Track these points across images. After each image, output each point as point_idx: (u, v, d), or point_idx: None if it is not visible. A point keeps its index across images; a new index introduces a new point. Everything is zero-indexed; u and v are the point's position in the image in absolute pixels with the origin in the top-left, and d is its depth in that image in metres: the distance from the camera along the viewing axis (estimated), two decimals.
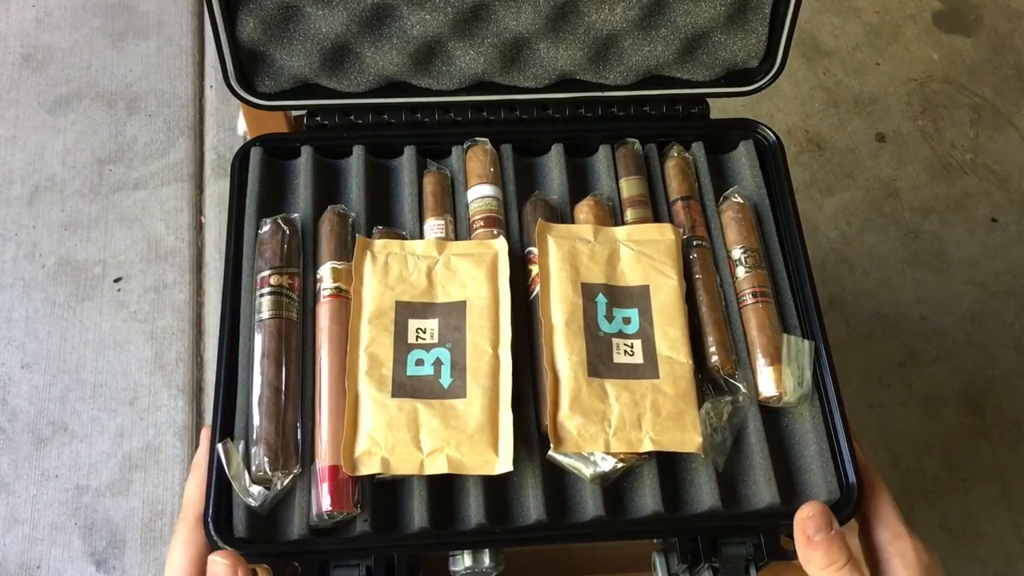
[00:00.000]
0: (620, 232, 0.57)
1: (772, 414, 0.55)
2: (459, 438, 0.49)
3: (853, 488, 0.51)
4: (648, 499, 0.51)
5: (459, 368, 0.52)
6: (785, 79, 0.73)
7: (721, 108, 0.67)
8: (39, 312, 1.18)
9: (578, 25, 0.61)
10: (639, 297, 0.55)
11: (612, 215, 0.60)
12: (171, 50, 1.40)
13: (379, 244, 0.56)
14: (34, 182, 1.28)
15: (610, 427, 0.50)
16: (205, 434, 0.51)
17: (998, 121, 1.41)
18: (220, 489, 0.49)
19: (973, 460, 1.15)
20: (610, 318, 0.54)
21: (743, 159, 0.63)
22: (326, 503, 0.48)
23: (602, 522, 0.50)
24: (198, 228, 1.26)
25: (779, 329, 0.55)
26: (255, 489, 0.49)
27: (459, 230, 0.59)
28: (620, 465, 0.50)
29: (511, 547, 0.50)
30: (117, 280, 1.21)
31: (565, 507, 0.51)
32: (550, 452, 0.51)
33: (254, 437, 0.50)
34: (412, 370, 0.52)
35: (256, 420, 0.50)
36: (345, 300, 0.54)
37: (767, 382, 0.54)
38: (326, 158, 0.62)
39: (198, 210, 1.27)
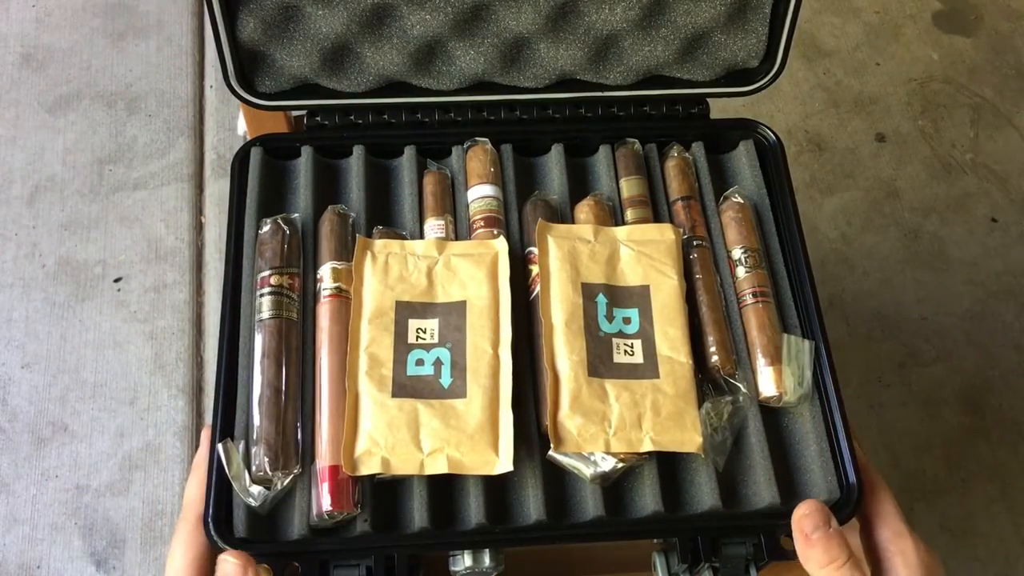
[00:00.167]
0: (620, 232, 0.57)
1: (772, 414, 0.55)
2: (459, 438, 0.49)
3: (853, 488, 0.51)
4: (648, 499, 0.51)
5: (459, 368, 0.52)
6: (785, 79, 0.73)
7: (721, 108, 0.67)
8: (39, 312, 1.18)
9: (578, 25, 0.61)
10: (639, 297, 0.55)
11: (612, 215, 0.60)
12: (171, 50, 1.40)
13: (379, 244, 0.56)
14: (34, 182, 1.28)
15: (610, 427, 0.50)
16: (205, 434, 0.51)
17: (998, 121, 1.41)
18: (220, 489, 0.49)
19: (973, 460, 1.15)
20: (610, 318, 0.54)
21: (743, 159, 0.63)
22: (326, 503, 0.48)
23: (602, 522, 0.50)
24: (198, 228, 1.26)
25: (779, 329, 0.55)
26: (255, 489, 0.49)
27: (459, 230, 0.59)
28: (620, 465, 0.50)
29: (511, 547, 0.50)
30: (117, 280, 1.21)
31: (565, 507, 0.51)
32: (550, 452, 0.51)
33: (254, 437, 0.50)
34: (412, 370, 0.52)
35: (256, 420, 0.50)
36: (345, 300, 0.54)
37: (767, 382, 0.54)
38: (326, 158, 0.62)
39: (198, 210, 1.28)
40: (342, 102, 0.63)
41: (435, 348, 0.53)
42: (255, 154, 0.60)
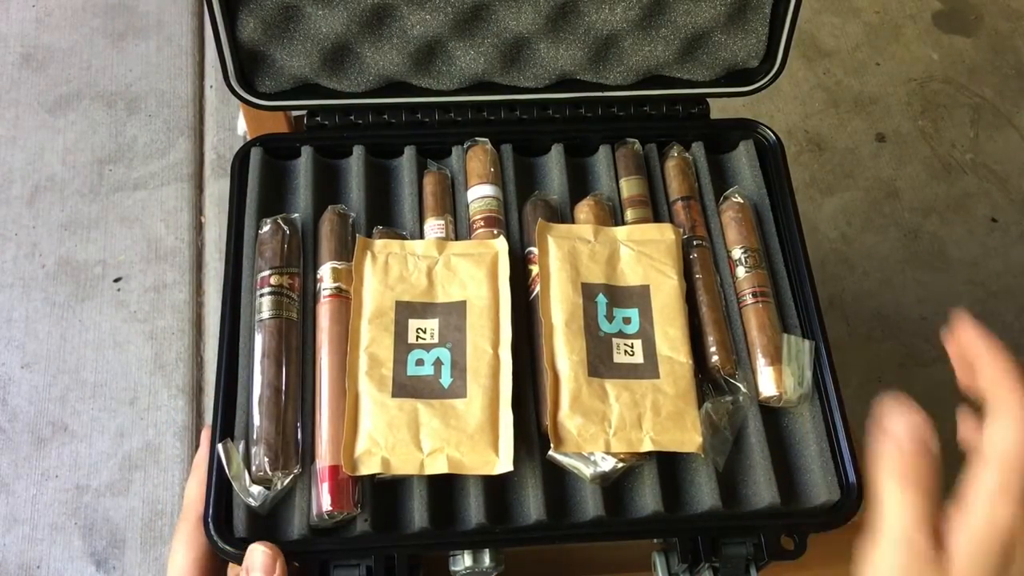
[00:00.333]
0: (620, 232, 0.57)
1: (772, 414, 0.55)
2: (459, 438, 0.49)
3: (853, 488, 0.51)
4: (648, 499, 0.51)
5: (459, 368, 0.52)
6: (785, 79, 0.73)
7: (721, 108, 0.67)
8: (39, 312, 1.18)
9: (578, 25, 0.61)
10: (639, 297, 0.55)
11: (612, 215, 0.60)
12: (171, 50, 1.40)
13: (379, 244, 0.56)
14: (34, 182, 1.28)
15: (610, 427, 0.50)
16: (205, 434, 0.51)
17: (998, 121, 1.41)
18: (220, 489, 0.49)
19: None
20: (610, 318, 0.54)
21: (743, 159, 0.63)
22: (326, 503, 0.48)
23: (602, 522, 0.50)
24: (198, 228, 1.26)
25: (779, 329, 0.55)
26: (255, 489, 0.49)
27: (459, 230, 0.59)
28: (620, 465, 0.50)
29: (511, 547, 0.50)
30: (117, 280, 1.21)
31: (565, 507, 0.51)
32: (550, 452, 0.51)
33: (254, 437, 0.50)
34: (412, 370, 0.52)
35: (256, 420, 0.50)
36: (345, 300, 0.54)
37: (767, 382, 0.54)
38: (326, 158, 0.62)
39: (198, 210, 1.28)
40: (342, 102, 0.63)
41: (435, 348, 0.53)
42: (255, 154, 0.60)
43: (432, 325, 0.53)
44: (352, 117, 0.63)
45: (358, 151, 0.61)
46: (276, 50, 0.60)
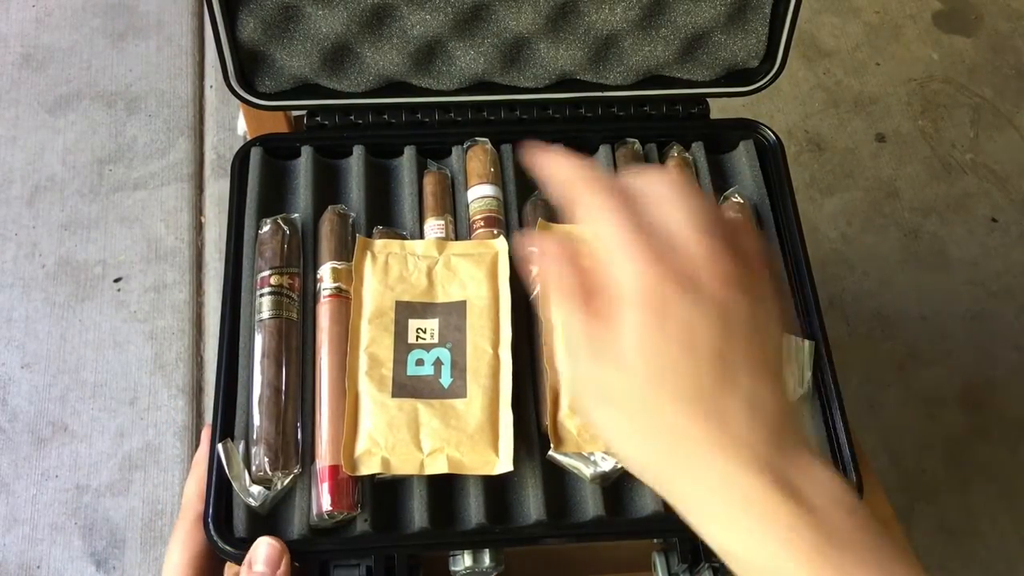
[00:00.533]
0: None
1: None
2: (459, 438, 0.49)
3: (853, 487, 0.51)
4: (648, 499, 0.51)
5: (459, 368, 0.52)
6: (785, 79, 0.73)
7: (721, 108, 0.67)
8: (39, 312, 1.18)
9: (578, 25, 0.61)
10: None
11: None
12: (171, 50, 1.40)
13: (379, 244, 0.56)
14: (34, 182, 1.28)
15: None
16: (205, 434, 0.51)
17: (998, 121, 1.41)
18: (220, 489, 0.49)
19: (973, 460, 1.15)
20: None
21: (743, 159, 0.63)
22: (326, 503, 0.48)
23: (602, 522, 0.50)
24: (198, 228, 1.26)
25: None
26: (255, 489, 0.49)
27: (459, 230, 0.59)
28: (620, 465, 0.50)
29: (511, 547, 0.50)
30: (117, 280, 1.21)
31: (565, 507, 0.51)
32: (550, 452, 0.51)
33: (254, 437, 0.50)
34: (412, 370, 0.52)
35: (256, 420, 0.50)
36: (345, 300, 0.54)
37: None
38: (326, 158, 0.62)
39: (198, 210, 1.28)
40: (342, 102, 0.63)
41: (435, 348, 0.53)
42: (255, 154, 0.60)
43: (432, 325, 0.53)
44: (352, 117, 0.63)
45: (358, 151, 0.61)
46: (276, 50, 0.60)
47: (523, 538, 0.50)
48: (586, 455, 0.50)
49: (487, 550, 0.49)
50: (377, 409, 0.50)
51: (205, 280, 1.23)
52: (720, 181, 0.63)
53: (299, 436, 0.51)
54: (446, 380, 0.51)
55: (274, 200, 0.60)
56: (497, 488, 0.51)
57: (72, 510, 1.07)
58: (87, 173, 1.29)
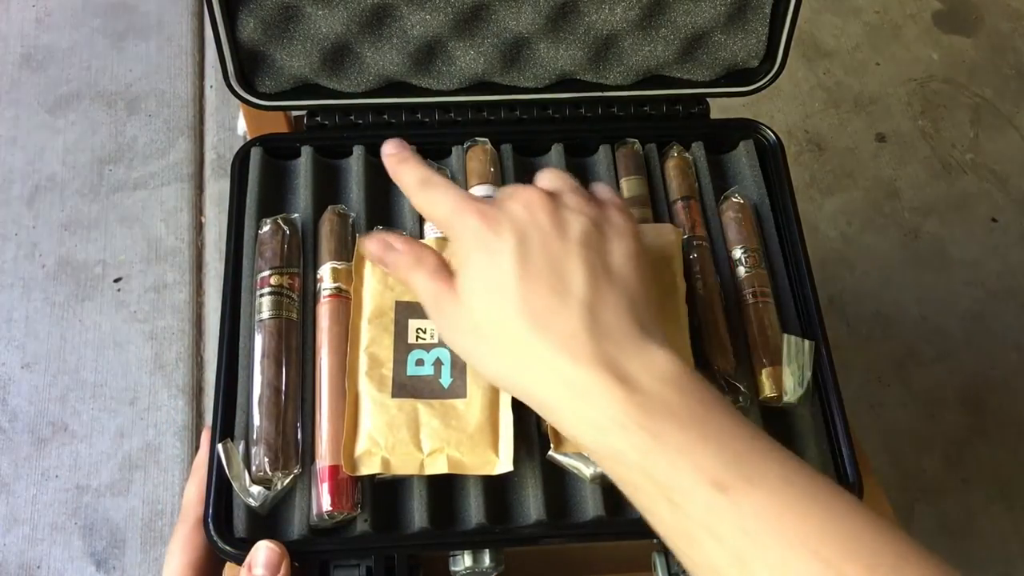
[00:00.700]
0: None
1: (772, 414, 0.55)
2: (459, 438, 0.49)
3: (853, 488, 0.51)
4: None
5: (459, 368, 0.52)
6: (785, 79, 0.73)
7: (721, 108, 0.67)
8: (39, 312, 1.19)
9: (578, 25, 0.61)
10: None
11: None
12: (171, 50, 1.40)
13: None
14: (34, 182, 1.28)
15: None
16: (205, 436, 0.51)
17: (998, 121, 1.41)
18: (220, 489, 0.49)
19: (973, 460, 1.15)
20: None
21: (743, 159, 0.63)
22: (326, 503, 0.48)
23: (602, 522, 0.50)
24: (198, 228, 1.26)
25: (779, 329, 0.55)
26: (255, 489, 0.49)
27: None
28: None
29: (511, 547, 0.50)
30: (117, 280, 1.21)
31: (565, 507, 0.51)
32: (550, 452, 0.51)
33: (254, 437, 0.50)
34: (412, 370, 0.52)
35: (256, 420, 0.50)
36: (345, 300, 0.54)
37: (767, 382, 0.54)
38: (326, 158, 0.62)
39: (198, 210, 1.28)
40: (342, 102, 0.63)
41: (435, 348, 0.53)
42: (255, 154, 0.60)
43: (432, 325, 0.53)
44: (352, 117, 0.63)
45: (358, 151, 0.61)
46: (276, 50, 0.60)
47: (523, 538, 0.50)
48: (586, 455, 0.50)
49: (487, 550, 0.49)
50: (377, 409, 0.50)
51: (205, 280, 1.23)
52: (720, 181, 0.63)
53: (299, 436, 0.51)
54: (446, 380, 0.51)
55: (274, 200, 0.60)
56: (497, 488, 0.51)
57: (72, 510, 1.07)
58: (87, 173, 1.29)
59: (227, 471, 0.49)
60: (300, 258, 0.56)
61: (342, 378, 0.52)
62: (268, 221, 0.56)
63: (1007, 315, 1.25)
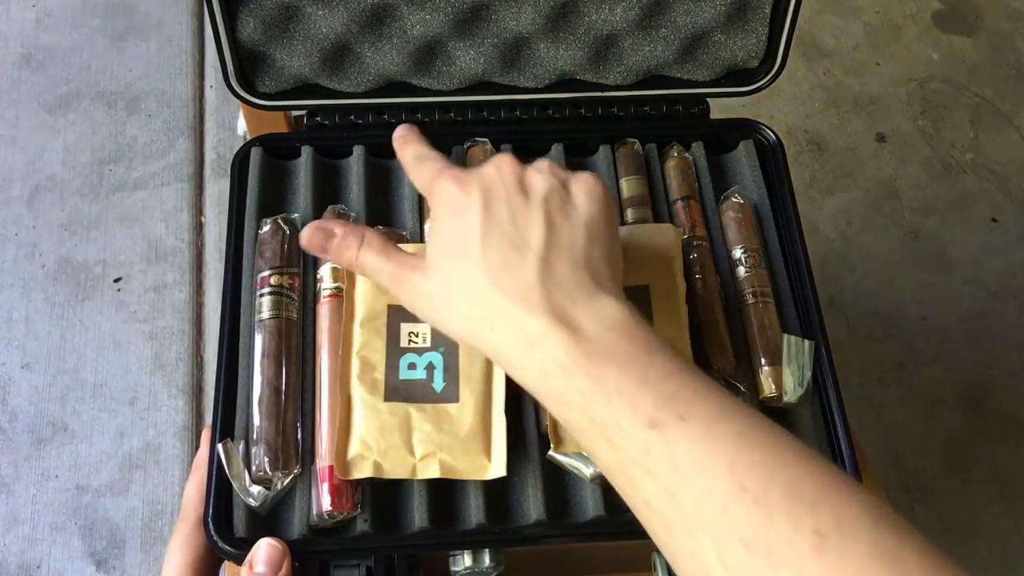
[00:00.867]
0: (620, 232, 0.57)
1: (772, 414, 0.54)
2: (451, 443, 0.49)
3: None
4: None
5: (452, 372, 0.52)
6: (785, 79, 0.73)
7: (721, 108, 0.67)
8: (39, 312, 1.19)
9: (578, 25, 0.61)
10: (638, 298, 0.55)
11: None
12: (171, 50, 1.40)
13: None
14: (34, 182, 1.28)
15: None
16: (205, 436, 0.51)
17: (998, 121, 1.41)
18: (220, 489, 0.49)
19: (973, 460, 1.15)
20: None
21: (743, 159, 0.63)
22: (326, 503, 0.48)
23: (602, 522, 0.50)
24: (198, 228, 1.26)
25: (779, 329, 0.55)
26: (255, 489, 0.49)
27: None
28: None
29: (511, 547, 0.50)
30: (117, 280, 1.21)
31: (565, 507, 0.51)
32: (550, 452, 0.51)
33: (254, 437, 0.50)
34: (404, 374, 0.51)
35: (256, 420, 0.50)
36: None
37: (767, 382, 0.54)
38: (326, 158, 0.62)
39: (198, 210, 1.28)
40: (342, 102, 0.63)
41: (427, 352, 0.52)
42: (255, 154, 0.60)
43: (424, 329, 0.53)
44: (352, 117, 0.63)
45: (358, 151, 0.61)
46: (276, 50, 0.60)
47: (523, 538, 0.50)
48: (586, 455, 0.50)
49: (487, 550, 0.49)
50: (369, 413, 0.50)
51: (205, 280, 1.23)
52: (720, 181, 0.63)
53: (299, 436, 0.51)
54: (438, 384, 0.51)
55: (274, 200, 0.60)
56: (497, 488, 0.51)
57: (72, 510, 1.07)
58: (87, 173, 1.29)
59: (227, 471, 0.49)
60: (300, 258, 0.56)
61: None
62: (268, 221, 0.56)
63: (1007, 315, 1.25)
